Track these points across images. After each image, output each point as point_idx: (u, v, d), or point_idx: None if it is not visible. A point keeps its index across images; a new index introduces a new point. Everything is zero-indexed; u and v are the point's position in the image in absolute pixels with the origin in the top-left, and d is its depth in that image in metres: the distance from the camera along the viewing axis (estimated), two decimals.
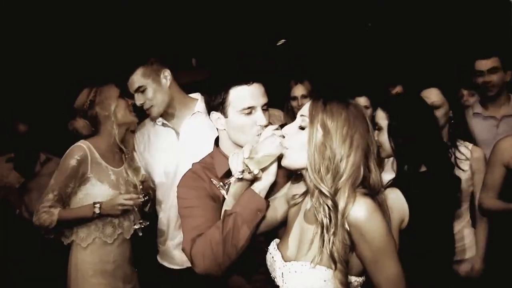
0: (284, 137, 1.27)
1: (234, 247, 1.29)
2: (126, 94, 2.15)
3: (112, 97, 2.16)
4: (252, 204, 1.31)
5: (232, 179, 1.29)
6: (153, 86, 2.07)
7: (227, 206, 1.36)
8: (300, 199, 1.36)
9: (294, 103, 3.20)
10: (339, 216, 1.14)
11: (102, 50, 3.68)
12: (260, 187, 1.36)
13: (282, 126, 1.39)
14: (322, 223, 1.16)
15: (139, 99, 2.09)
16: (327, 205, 1.16)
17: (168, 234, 2.19)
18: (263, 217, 1.36)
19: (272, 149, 1.24)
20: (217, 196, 1.50)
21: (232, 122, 1.50)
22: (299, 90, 3.14)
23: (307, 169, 1.21)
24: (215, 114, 1.55)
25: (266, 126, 1.46)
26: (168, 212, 2.19)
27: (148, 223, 2.14)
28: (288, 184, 1.47)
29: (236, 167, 1.29)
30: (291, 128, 1.28)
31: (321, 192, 1.18)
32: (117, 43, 3.59)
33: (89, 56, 3.70)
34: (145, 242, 2.18)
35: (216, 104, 1.52)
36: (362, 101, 2.84)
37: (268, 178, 1.36)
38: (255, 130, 1.48)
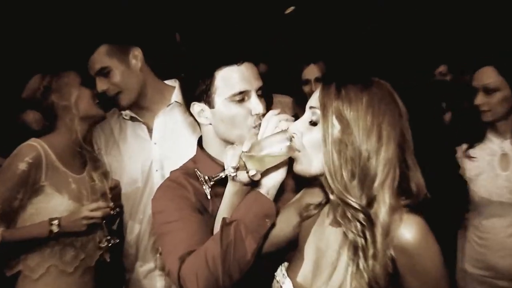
0: (293, 137, 1.17)
1: (236, 264, 1.19)
2: (90, 82, 2.03)
3: (73, 84, 2.03)
4: (258, 209, 1.23)
5: (221, 174, 1.22)
6: (120, 68, 1.98)
7: (223, 214, 1.29)
8: (316, 211, 1.27)
9: (306, 89, 3.12)
10: (380, 235, 1.04)
11: (56, 27, 3.55)
12: (268, 186, 1.26)
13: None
14: (356, 243, 1.07)
15: (101, 84, 1.98)
16: (359, 221, 1.06)
17: (138, 257, 2.11)
18: (272, 226, 1.27)
19: (280, 150, 1.15)
20: (205, 208, 1.42)
21: (221, 113, 1.40)
22: (312, 72, 3.08)
23: (325, 176, 1.11)
24: (198, 106, 1.43)
25: (263, 115, 1.36)
26: (138, 230, 2.10)
27: (118, 240, 2.02)
28: (302, 191, 1.37)
29: (230, 161, 1.21)
30: (300, 124, 1.18)
31: (347, 204, 1.08)
32: (75, 16, 3.45)
33: (41, 36, 3.60)
34: (112, 271, 2.07)
35: (198, 92, 1.41)
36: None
37: (276, 176, 1.27)
38: (250, 122, 1.39)
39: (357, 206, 1.06)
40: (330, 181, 1.09)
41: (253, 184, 1.27)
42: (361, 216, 1.06)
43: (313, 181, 1.24)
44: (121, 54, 2.01)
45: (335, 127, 1.09)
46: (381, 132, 1.07)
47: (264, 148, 1.18)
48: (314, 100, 1.16)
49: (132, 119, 2.13)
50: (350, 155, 1.07)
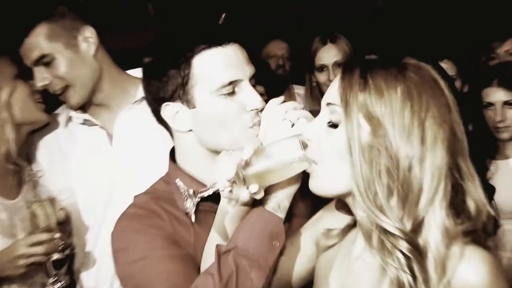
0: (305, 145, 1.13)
1: None
2: (28, 74, 1.89)
3: (4, 77, 1.90)
4: (262, 229, 1.20)
5: (212, 188, 1.18)
6: (66, 55, 1.84)
7: (213, 242, 1.25)
8: (339, 238, 1.24)
9: (321, 77, 2.96)
10: (434, 271, 0.99)
11: None
12: (275, 201, 1.23)
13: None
14: (400, 282, 1.01)
15: (42, 78, 1.85)
16: (403, 252, 1.00)
17: None
18: (279, 258, 1.24)
19: (291, 162, 1.12)
20: (186, 240, 1.36)
21: (205, 113, 1.33)
22: (329, 55, 2.92)
23: (352, 194, 1.06)
24: (171, 107, 1.34)
25: (262, 110, 1.32)
26: (97, 271, 2.00)
27: (69, 282, 1.92)
28: (319, 213, 1.33)
29: (223, 172, 1.15)
30: (317, 127, 1.13)
31: (385, 230, 1.02)
32: None
33: None
34: None
35: (171, 88, 1.33)
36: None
37: (287, 186, 1.23)
38: (245, 120, 1.33)
39: (398, 233, 1.01)
40: (360, 200, 1.03)
41: (254, 203, 1.21)
42: (405, 245, 1.01)
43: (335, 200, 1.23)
44: (67, 36, 1.86)
45: (363, 129, 1.04)
46: (425, 131, 1.02)
47: (269, 157, 1.14)
48: (332, 94, 1.10)
49: (86, 122, 2.00)
50: (385, 164, 1.02)
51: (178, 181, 1.24)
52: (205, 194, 1.19)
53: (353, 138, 1.04)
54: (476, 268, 0.99)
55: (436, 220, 1.02)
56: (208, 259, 1.25)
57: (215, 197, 1.24)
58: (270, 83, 2.64)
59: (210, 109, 1.34)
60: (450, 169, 1.03)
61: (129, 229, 1.37)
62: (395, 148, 1.02)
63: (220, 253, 1.19)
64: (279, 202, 1.24)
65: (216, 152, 1.33)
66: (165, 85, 1.35)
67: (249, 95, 1.34)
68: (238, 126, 1.34)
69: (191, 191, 1.19)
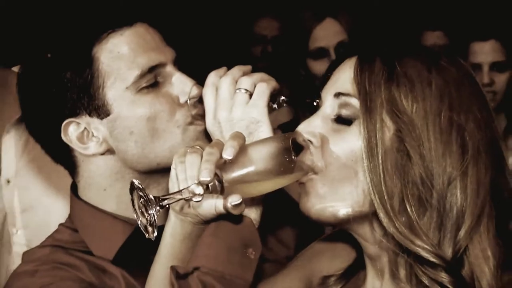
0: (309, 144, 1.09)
1: None
2: None
3: None
4: (231, 238, 1.13)
5: (179, 195, 1.06)
6: None
7: (160, 271, 1.18)
8: (339, 286, 1.18)
9: (317, 66, 2.65)
10: None
11: None
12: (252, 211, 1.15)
13: (283, 126, 1.31)
14: None
15: None
16: (444, 286, 0.96)
17: None
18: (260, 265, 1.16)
19: (280, 168, 1.07)
20: (110, 287, 1.27)
21: (125, 118, 1.24)
22: (329, 33, 2.67)
23: (369, 216, 1.02)
24: (76, 124, 1.25)
25: (200, 100, 1.22)
26: None
27: None
28: (311, 247, 1.28)
29: (194, 173, 1.07)
30: (318, 124, 1.07)
31: (419, 260, 0.97)
32: None
33: None
34: None
35: (70, 98, 1.23)
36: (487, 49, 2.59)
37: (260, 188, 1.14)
38: (181, 116, 1.25)
39: (438, 261, 0.95)
40: (383, 218, 0.98)
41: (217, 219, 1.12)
42: (447, 277, 0.95)
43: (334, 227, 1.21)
44: None
45: (388, 128, 1.00)
46: (465, 139, 0.99)
47: (253, 161, 1.06)
48: (343, 82, 1.05)
49: None
50: (417, 173, 0.98)
51: (135, 182, 1.08)
52: (171, 201, 1.08)
53: (374, 138, 1.01)
54: None
55: (484, 251, 0.99)
56: None
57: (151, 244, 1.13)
58: None
59: (131, 112, 1.25)
60: (494, 186, 1.02)
61: (33, 285, 1.23)
62: (429, 155, 0.99)
63: (177, 277, 1.08)
64: (247, 214, 1.17)
65: (148, 173, 1.28)
66: (60, 96, 1.24)
67: (178, 81, 1.27)
68: (172, 126, 1.27)
69: (151, 197, 1.07)
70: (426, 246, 0.98)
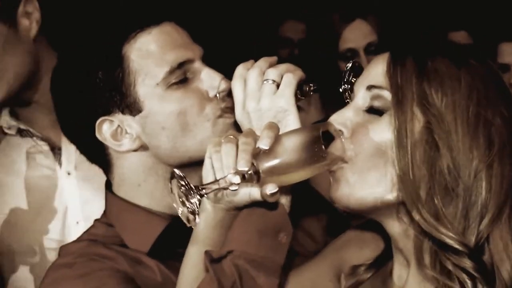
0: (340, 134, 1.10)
1: None
2: None
3: None
4: (263, 224, 1.13)
5: (216, 184, 1.07)
6: None
7: (193, 259, 1.19)
8: (369, 275, 1.18)
9: (341, 64, 2.62)
10: None
11: None
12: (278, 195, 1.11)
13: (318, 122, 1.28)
14: None
15: None
16: (469, 273, 0.98)
17: None
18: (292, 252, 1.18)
19: (313, 158, 1.08)
20: (152, 283, 1.27)
21: (157, 113, 1.25)
22: (359, 34, 2.68)
23: (395, 206, 1.04)
24: (110, 122, 1.26)
25: (229, 93, 1.23)
26: None
27: None
28: (341, 238, 1.28)
29: (230, 163, 1.07)
30: (350, 114, 1.09)
31: (444, 247, 1.00)
32: None
33: None
34: None
35: (103, 96, 1.25)
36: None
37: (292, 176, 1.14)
38: (210, 110, 1.26)
39: (462, 248, 0.98)
40: (410, 206, 1.01)
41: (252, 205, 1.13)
42: (470, 264, 0.98)
43: (362, 218, 1.20)
44: (3, 5, 1.64)
45: (418, 121, 1.02)
46: (492, 134, 1.01)
47: (288, 151, 1.08)
48: (376, 75, 1.08)
49: (22, 133, 1.78)
50: (444, 165, 1.01)
51: (176, 171, 1.09)
52: (208, 191, 1.08)
53: (404, 130, 1.03)
54: None
55: (504, 239, 1.01)
56: (184, 282, 1.19)
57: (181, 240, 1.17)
58: None
59: (162, 108, 1.27)
60: None
61: (71, 275, 1.26)
62: (456, 147, 1.01)
63: (211, 261, 1.10)
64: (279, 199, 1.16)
65: (180, 167, 1.20)
66: (93, 95, 1.26)
67: (207, 76, 1.28)
68: (203, 120, 1.28)
69: (192, 185, 1.08)
70: (450, 234, 1.01)
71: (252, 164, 1.06)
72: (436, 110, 1.03)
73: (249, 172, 1.06)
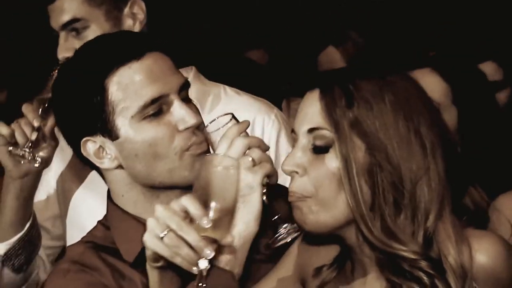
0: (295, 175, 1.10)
1: None
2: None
3: None
4: None
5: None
6: (104, 27, 1.66)
7: None
8: (333, 274, 1.16)
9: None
10: (455, 279, 1.02)
11: None
12: (229, 250, 1.13)
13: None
14: None
15: (66, 47, 1.66)
16: (424, 271, 1.02)
17: None
18: None
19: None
20: None
21: (131, 143, 1.24)
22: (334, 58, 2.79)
23: (353, 224, 1.06)
24: (92, 142, 1.27)
25: (197, 127, 1.24)
26: None
27: None
28: (296, 244, 1.24)
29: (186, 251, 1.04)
30: (298, 157, 1.08)
31: (398, 257, 1.02)
32: None
33: None
34: None
35: (87, 120, 1.26)
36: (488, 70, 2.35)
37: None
38: (178, 143, 1.23)
39: (414, 256, 1.01)
40: (365, 230, 1.02)
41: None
42: (425, 264, 1.02)
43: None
44: (111, 4, 1.67)
45: (359, 148, 1.03)
46: (422, 139, 1.04)
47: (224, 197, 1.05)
48: (311, 118, 1.08)
49: None
50: (389, 180, 1.02)
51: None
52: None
53: (349, 160, 1.03)
54: (489, 252, 1.04)
55: (447, 231, 1.05)
56: None
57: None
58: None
59: (136, 137, 1.25)
60: (447, 174, 1.06)
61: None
62: (396, 162, 1.03)
63: None
64: (229, 261, 1.13)
65: (151, 188, 1.29)
66: (78, 117, 1.27)
67: (180, 110, 1.25)
68: (171, 152, 1.25)
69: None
70: (403, 248, 1.03)
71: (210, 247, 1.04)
72: (372, 134, 1.05)
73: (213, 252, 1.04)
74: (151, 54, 1.25)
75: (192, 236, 1.01)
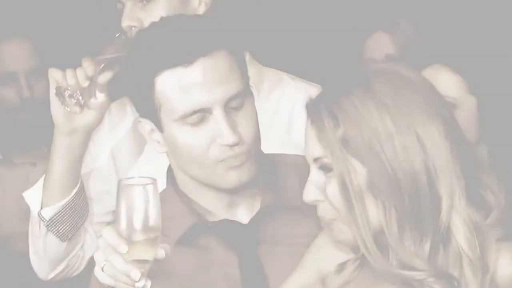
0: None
1: None
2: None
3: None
4: None
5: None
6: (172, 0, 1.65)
7: None
8: (357, 270, 1.13)
9: None
10: (474, 275, 1.00)
11: None
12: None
13: None
14: None
15: (132, 16, 1.67)
16: (435, 283, 1.01)
17: None
18: None
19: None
20: None
21: (172, 140, 1.26)
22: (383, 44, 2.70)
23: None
24: (145, 123, 1.29)
25: (238, 144, 1.22)
26: None
27: None
28: (318, 239, 1.22)
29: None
30: (313, 185, 1.07)
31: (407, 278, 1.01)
32: None
33: None
34: None
35: (141, 105, 1.31)
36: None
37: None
38: (214, 153, 1.23)
39: (420, 277, 1.01)
40: (372, 259, 1.01)
41: None
42: (432, 280, 1.01)
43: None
44: None
45: (356, 167, 1.01)
46: (419, 135, 0.99)
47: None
48: (314, 147, 1.07)
49: None
50: (389, 194, 1.00)
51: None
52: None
53: (345, 182, 1.01)
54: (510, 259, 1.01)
55: (462, 219, 1.01)
56: None
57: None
58: None
59: (176, 138, 1.27)
60: (457, 159, 1.00)
61: None
62: (395, 168, 0.99)
63: None
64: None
65: (200, 182, 1.30)
66: (135, 100, 1.32)
67: (221, 125, 1.22)
68: (206, 160, 1.25)
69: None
70: (407, 273, 1.04)
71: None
72: (364, 150, 1.03)
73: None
74: (204, 60, 1.22)
75: (118, 263, 1.06)
